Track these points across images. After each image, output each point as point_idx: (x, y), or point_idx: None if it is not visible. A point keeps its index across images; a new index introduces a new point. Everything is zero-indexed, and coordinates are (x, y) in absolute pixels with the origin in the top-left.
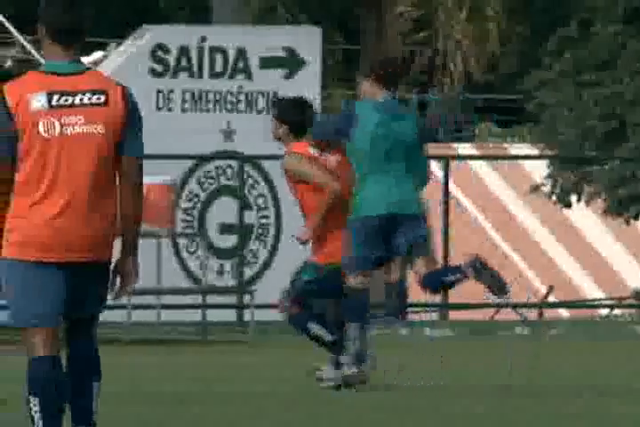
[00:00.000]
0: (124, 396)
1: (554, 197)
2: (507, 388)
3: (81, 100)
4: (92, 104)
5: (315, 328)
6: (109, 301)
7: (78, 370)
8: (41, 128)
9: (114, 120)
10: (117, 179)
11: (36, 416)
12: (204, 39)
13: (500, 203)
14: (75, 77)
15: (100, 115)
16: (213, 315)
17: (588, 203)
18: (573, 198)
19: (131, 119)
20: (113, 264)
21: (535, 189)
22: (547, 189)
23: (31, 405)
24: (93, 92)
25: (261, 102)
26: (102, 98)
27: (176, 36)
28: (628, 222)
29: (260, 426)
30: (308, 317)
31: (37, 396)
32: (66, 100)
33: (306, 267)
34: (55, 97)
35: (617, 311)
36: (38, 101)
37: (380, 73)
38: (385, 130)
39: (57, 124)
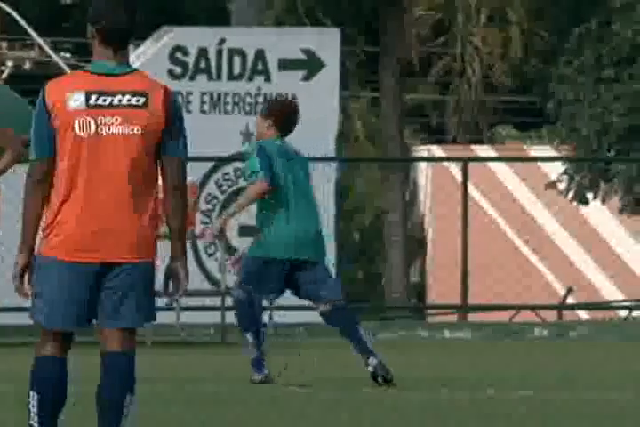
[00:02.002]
0: (164, 396)
1: (570, 195)
2: (529, 388)
3: (120, 100)
4: (130, 105)
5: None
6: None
7: (110, 385)
8: (76, 127)
9: (153, 122)
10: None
11: (33, 411)
12: (222, 41)
13: (520, 204)
14: (117, 78)
15: (138, 116)
16: (232, 317)
17: (604, 200)
18: (590, 196)
19: (171, 121)
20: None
21: (551, 185)
22: (563, 186)
23: (30, 399)
24: (133, 94)
25: None
26: (142, 100)
27: (195, 37)
28: None
29: None
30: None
31: (37, 393)
32: (104, 101)
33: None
34: (93, 96)
35: (637, 313)
36: (76, 100)
37: (283, 120)
38: (288, 171)
39: (92, 123)
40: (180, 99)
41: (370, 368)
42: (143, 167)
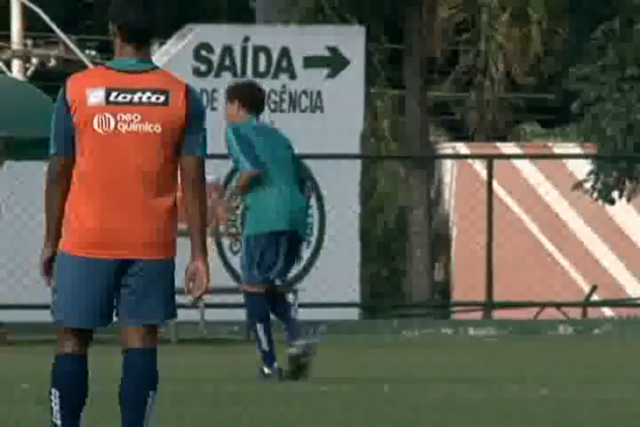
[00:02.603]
0: (181, 396)
1: (595, 194)
2: (553, 387)
3: (140, 98)
4: (150, 103)
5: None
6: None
7: (131, 382)
8: (95, 123)
9: (173, 120)
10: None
11: (55, 409)
12: (247, 39)
13: (544, 202)
14: (138, 76)
15: (158, 114)
16: None
17: (629, 199)
18: (615, 195)
19: (192, 119)
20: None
21: (578, 185)
22: (589, 185)
23: (52, 397)
24: (154, 91)
25: (305, 101)
26: (162, 97)
27: (220, 35)
28: None
29: (319, 426)
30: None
31: (58, 390)
32: (124, 98)
33: None
34: (114, 93)
35: None
36: (96, 97)
37: (248, 99)
38: (268, 148)
39: (112, 120)
40: (205, 96)
41: (291, 351)
42: (162, 165)
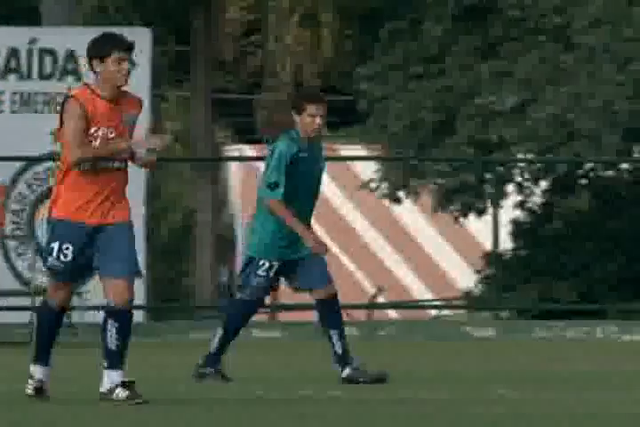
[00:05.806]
0: None
1: (382, 193)
2: (341, 388)
3: None
4: None
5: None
6: None
7: None
8: None
9: None
10: None
11: None
12: (33, 41)
13: (330, 204)
14: None
15: None
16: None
17: (415, 198)
18: (402, 194)
19: None
20: None
21: (365, 185)
22: (375, 184)
23: None
24: None
25: None
26: None
27: (5, 37)
28: (457, 219)
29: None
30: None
31: None
32: None
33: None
34: None
35: (446, 312)
36: None
37: None
38: None
39: None
40: None
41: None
42: None
